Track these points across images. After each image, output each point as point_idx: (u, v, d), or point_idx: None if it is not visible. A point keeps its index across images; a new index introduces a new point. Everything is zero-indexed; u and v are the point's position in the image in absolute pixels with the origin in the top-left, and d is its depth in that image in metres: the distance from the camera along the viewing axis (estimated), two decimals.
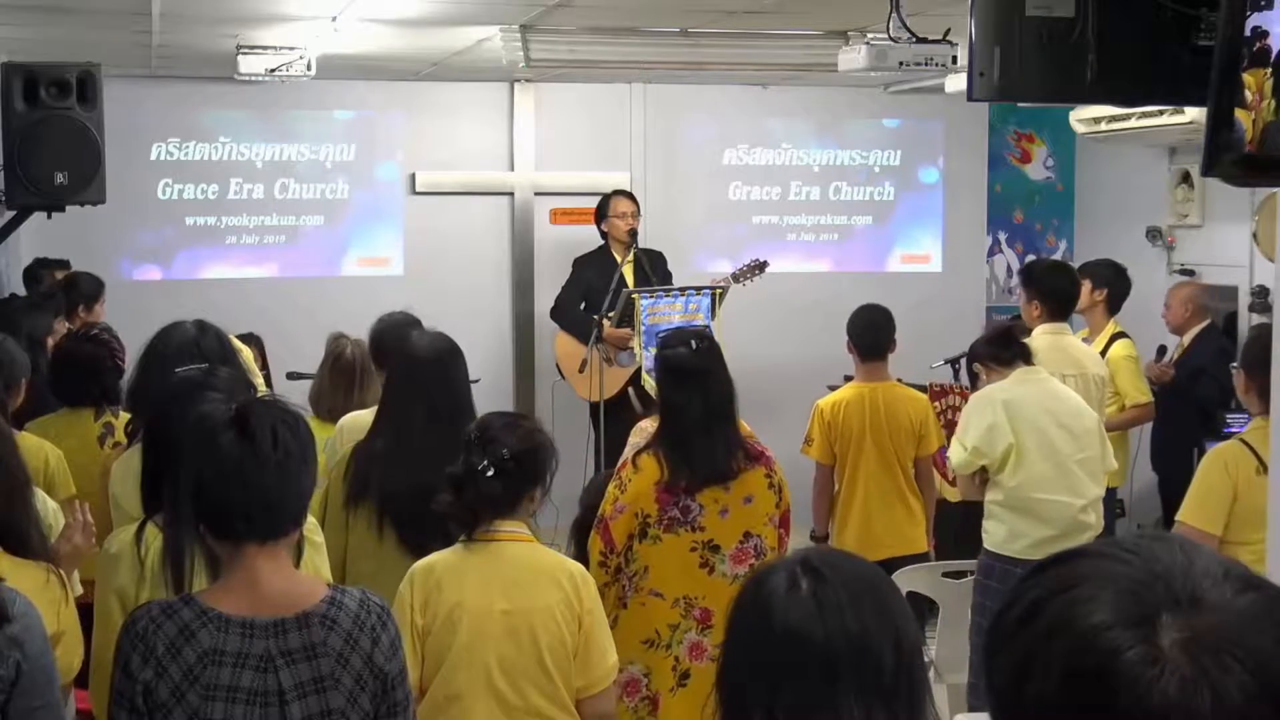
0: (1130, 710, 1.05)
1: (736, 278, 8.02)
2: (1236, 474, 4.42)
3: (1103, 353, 6.80)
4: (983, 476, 5.37)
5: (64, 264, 7.80)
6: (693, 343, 4.31)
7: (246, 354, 4.81)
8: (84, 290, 7.23)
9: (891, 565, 5.70)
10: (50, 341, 5.86)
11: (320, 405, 5.20)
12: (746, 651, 1.84)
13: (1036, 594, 1.14)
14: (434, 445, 3.72)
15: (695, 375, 4.22)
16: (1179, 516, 4.39)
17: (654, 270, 8.26)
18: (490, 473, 3.35)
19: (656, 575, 4.20)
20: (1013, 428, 5.24)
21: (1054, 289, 6.21)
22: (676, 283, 8.09)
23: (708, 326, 6.82)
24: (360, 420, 4.55)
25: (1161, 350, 7.60)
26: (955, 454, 5.45)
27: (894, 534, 5.93)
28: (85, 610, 4.04)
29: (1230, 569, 1.11)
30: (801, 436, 6.16)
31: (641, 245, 8.38)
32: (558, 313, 8.46)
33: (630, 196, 8.47)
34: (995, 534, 5.34)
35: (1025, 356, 5.42)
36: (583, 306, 8.26)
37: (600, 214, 8.43)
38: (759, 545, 4.23)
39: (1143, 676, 1.05)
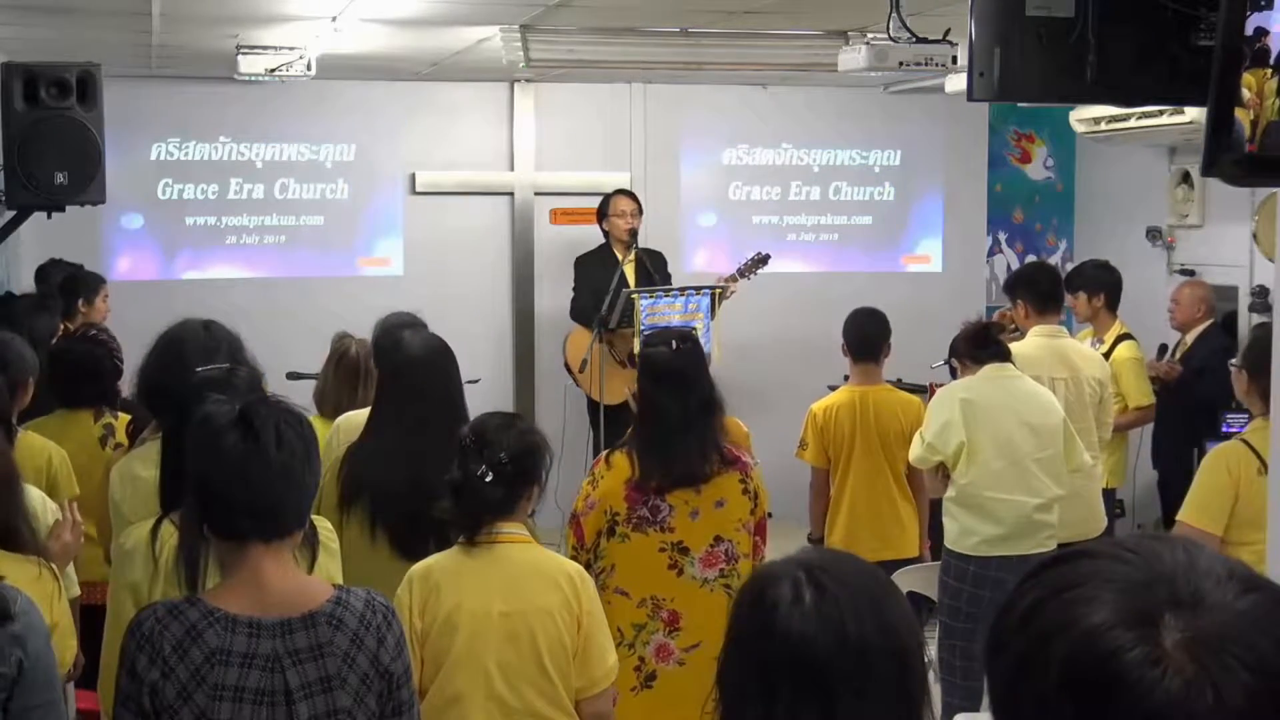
0: (1131, 710, 1.05)
1: (741, 272, 8.04)
2: (1238, 474, 4.40)
3: (1108, 353, 6.83)
4: (944, 472, 5.41)
5: (77, 268, 7.80)
6: (674, 343, 4.29)
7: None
8: (83, 285, 7.22)
9: (885, 569, 5.70)
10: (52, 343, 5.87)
11: (325, 404, 5.20)
12: (747, 656, 1.84)
13: (1038, 594, 1.14)
14: (427, 446, 3.71)
15: (675, 375, 4.20)
16: (1180, 516, 4.39)
17: (656, 270, 8.26)
18: (489, 478, 3.35)
19: (623, 574, 4.18)
20: (967, 426, 5.28)
21: (1032, 281, 6.24)
22: (676, 283, 8.10)
23: (693, 329, 6.82)
24: (356, 420, 4.55)
25: (1163, 349, 7.60)
26: (914, 449, 5.50)
27: (879, 538, 5.93)
28: (85, 611, 4.05)
29: (1233, 569, 1.11)
30: (798, 436, 6.18)
31: (641, 245, 8.38)
32: (579, 313, 8.41)
33: (631, 196, 8.48)
34: (950, 531, 5.41)
35: (1001, 356, 5.44)
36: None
37: (601, 213, 8.44)
38: (730, 550, 4.20)
39: (1145, 677, 1.05)
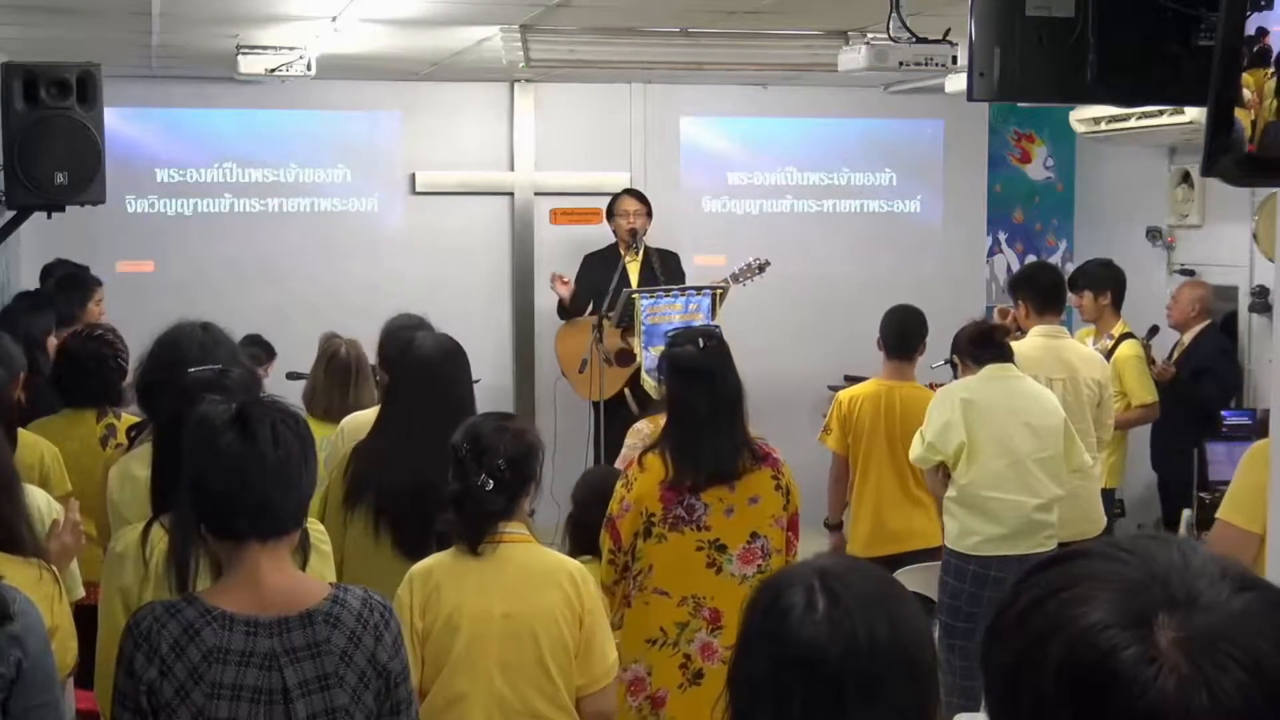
0: (1127, 709, 1.05)
1: (737, 278, 8.02)
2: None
3: (1111, 353, 6.86)
4: (945, 472, 5.43)
5: (81, 269, 7.79)
6: (700, 340, 4.32)
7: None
8: (76, 288, 7.18)
9: (906, 559, 5.75)
10: (52, 342, 5.86)
11: (314, 404, 5.21)
12: (759, 661, 1.83)
13: (1034, 594, 1.15)
14: (435, 447, 3.71)
15: (702, 374, 4.22)
16: (1219, 514, 4.36)
17: (664, 270, 8.24)
18: (489, 486, 3.35)
19: (661, 574, 4.19)
20: (967, 426, 5.30)
21: (1035, 282, 6.25)
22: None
23: (717, 326, 6.82)
24: (361, 420, 4.55)
25: (1153, 330, 7.60)
26: (914, 448, 5.52)
27: (907, 529, 5.96)
28: (88, 612, 4.05)
29: (1228, 569, 1.12)
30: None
31: (650, 245, 8.37)
32: (562, 310, 8.46)
33: (637, 196, 8.45)
34: (950, 530, 5.44)
35: (1002, 356, 5.46)
36: (590, 306, 8.26)
37: (609, 212, 8.45)
38: (765, 546, 4.23)
39: (1140, 676, 1.05)
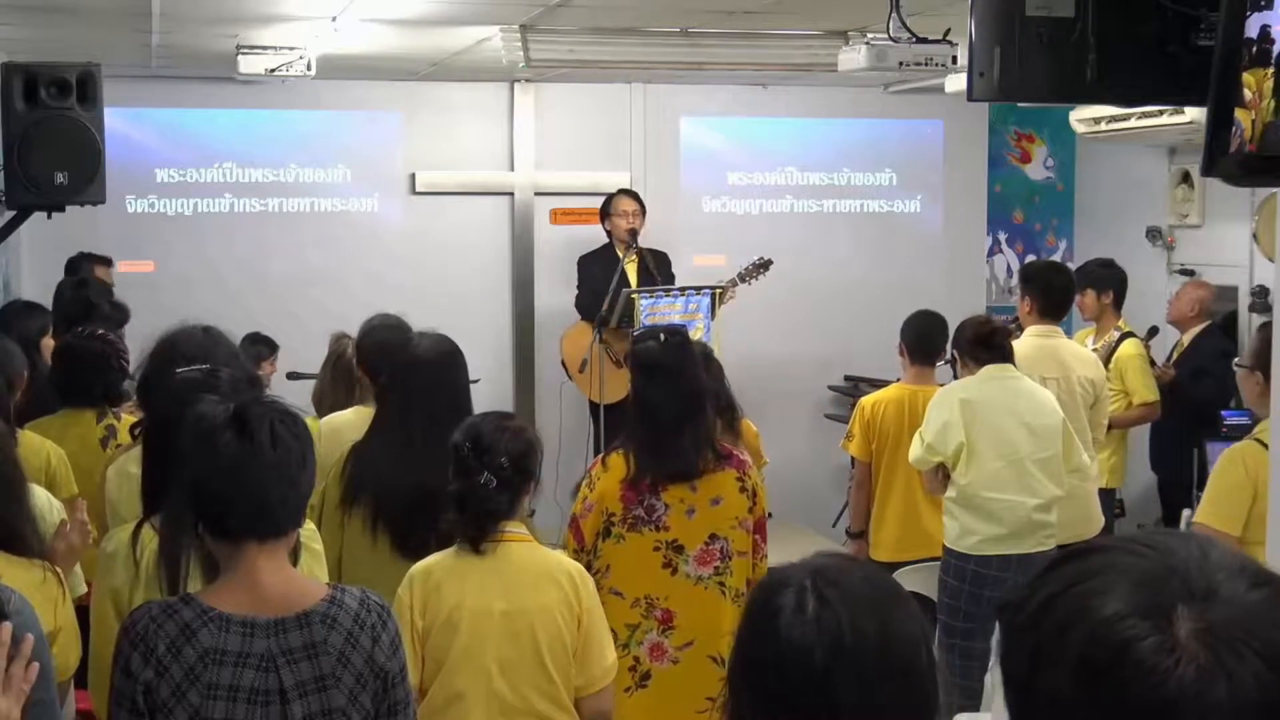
0: (1145, 699, 1.06)
1: (742, 277, 8.02)
2: (1256, 474, 4.37)
3: (1112, 353, 6.87)
4: (944, 473, 5.43)
5: (106, 261, 7.82)
6: (662, 336, 4.30)
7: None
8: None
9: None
10: (47, 344, 5.85)
11: (323, 405, 5.20)
12: (750, 660, 1.83)
13: (1051, 587, 1.16)
14: (432, 447, 3.71)
15: (664, 370, 4.20)
16: (1196, 518, 4.38)
17: (659, 270, 8.25)
18: (492, 485, 3.35)
19: (618, 574, 4.18)
20: (966, 426, 5.31)
21: (1047, 285, 6.23)
22: (678, 284, 8.09)
23: (695, 328, 6.82)
24: (338, 421, 4.55)
25: (1153, 330, 7.61)
26: (913, 449, 5.52)
27: (936, 532, 5.95)
28: (84, 611, 4.04)
29: (1245, 564, 1.14)
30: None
31: (642, 245, 8.37)
32: (583, 309, 8.39)
33: (634, 196, 8.47)
34: (950, 530, 5.45)
35: (1002, 359, 5.47)
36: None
37: (604, 212, 8.45)
38: (725, 548, 4.20)
39: (1159, 666, 1.06)
